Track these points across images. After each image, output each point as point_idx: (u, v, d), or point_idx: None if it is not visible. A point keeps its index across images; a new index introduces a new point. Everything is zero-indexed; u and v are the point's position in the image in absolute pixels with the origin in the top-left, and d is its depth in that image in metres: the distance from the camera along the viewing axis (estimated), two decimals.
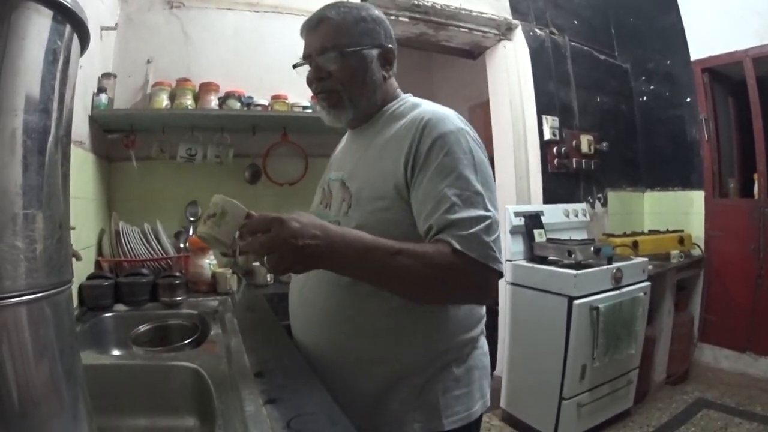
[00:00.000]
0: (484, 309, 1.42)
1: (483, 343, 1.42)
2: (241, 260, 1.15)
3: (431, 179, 1.19)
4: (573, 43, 4.50)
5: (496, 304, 4.04)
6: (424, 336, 1.28)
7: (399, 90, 1.46)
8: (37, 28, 0.72)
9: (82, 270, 2.20)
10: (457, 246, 1.11)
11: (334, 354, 1.32)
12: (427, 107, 1.34)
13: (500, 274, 1.17)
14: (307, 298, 1.38)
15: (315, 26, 1.37)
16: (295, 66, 1.44)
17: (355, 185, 1.32)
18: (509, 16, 4.10)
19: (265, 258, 1.06)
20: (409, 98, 1.44)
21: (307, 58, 1.38)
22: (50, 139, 0.75)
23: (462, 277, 1.14)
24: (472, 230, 1.13)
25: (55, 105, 0.76)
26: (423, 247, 1.14)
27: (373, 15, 1.38)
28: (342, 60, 1.33)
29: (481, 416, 1.38)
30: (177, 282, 2.25)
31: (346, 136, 1.58)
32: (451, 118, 1.27)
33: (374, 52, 1.36)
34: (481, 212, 1.16)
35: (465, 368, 1.33)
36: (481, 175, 1.21)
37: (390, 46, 1.39)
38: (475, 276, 1.15)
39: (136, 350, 1.70)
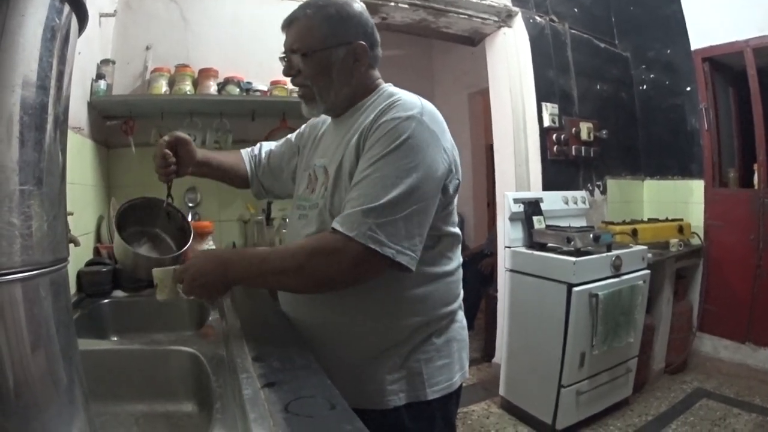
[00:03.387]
0: (461, 287, 1.49)
1: (461, 317, 1.50)
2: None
3: (362, 162, 1.26)
4: (573, 31, 4.46)
5: (496, 291, 4.05)
6: (407, 310, 1.34)
7: (379, 81, 1.49)
8: (36, 6, 0.72)
9: (80, 256, 2.20)
10: (336, 226, 1.19)
11: (322, 328, 1.39)
12: (398, 96, 1.35)
13: (385, 258, 1.17)
14: None
15: (287, 26, 1.44)
16: (280, 58, 1.49)
17: (333, 170, 1.38)
18: (509, 3, 4.07)
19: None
20: (387, 89, 1.45)
21: (285, 53, 1.45)
22: (47, 117, 0.75)
23: (334, 255, 1.19)
24: (355, 209, 1.18)
25: (53, 82, 0.76)
26: (306, 241, 1.30)
27: (344, 13, 1.39)
28: (307, 60, 1.39)
29: (460, 386, 1.46)
30: None
31: (329, 122, 1.60)
32: (408, 105, 1.29)
33: (341, 50, 1.38)
34: (375, 194, 1.18)
35: (445, 339, 1.41)
36: (409, 158, 1.21)
37: (362, 42, 1.40)
38: (349, 253, 1.17)
39: (134, 336, 1.70)
